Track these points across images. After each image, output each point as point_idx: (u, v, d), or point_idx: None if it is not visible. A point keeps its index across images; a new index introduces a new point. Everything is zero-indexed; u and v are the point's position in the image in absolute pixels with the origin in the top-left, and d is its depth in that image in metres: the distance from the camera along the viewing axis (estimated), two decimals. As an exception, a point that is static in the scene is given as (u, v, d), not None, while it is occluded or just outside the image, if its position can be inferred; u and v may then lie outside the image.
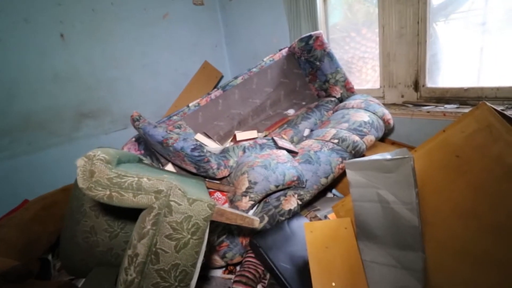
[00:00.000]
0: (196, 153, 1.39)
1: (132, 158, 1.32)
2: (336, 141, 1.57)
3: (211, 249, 1.36)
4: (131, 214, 1.24)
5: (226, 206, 1.51)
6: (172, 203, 0.89)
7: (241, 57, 3.27)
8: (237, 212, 0.96)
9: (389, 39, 1.98)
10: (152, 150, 1.70)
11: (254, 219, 0.96)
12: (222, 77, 3.16)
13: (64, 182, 2.22)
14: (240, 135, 1.82)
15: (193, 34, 3.08)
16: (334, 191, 1.77)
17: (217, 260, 1.37)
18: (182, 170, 1.65)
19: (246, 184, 1.36)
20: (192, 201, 0.91)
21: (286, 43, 2.27)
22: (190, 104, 1.95)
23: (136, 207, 0.89)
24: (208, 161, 1.43)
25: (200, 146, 1.40)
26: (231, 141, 1.90)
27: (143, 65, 2.77)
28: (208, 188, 1.56)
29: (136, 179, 0.88)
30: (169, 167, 1.67)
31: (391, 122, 1.79)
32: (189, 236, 0.89)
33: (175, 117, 1.89)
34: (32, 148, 2.25)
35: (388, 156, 1.07)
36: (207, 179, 1.56)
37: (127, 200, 0.87)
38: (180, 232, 0.88)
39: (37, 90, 2.24)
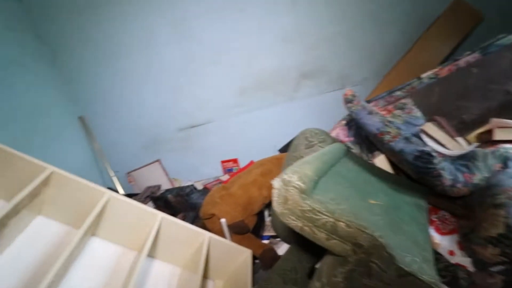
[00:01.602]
0: (420, 163, 1.01)
1: (337, 155, 1.16)
2: None
3: None
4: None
5: (454, 239, 1.08)
6: (373, 265, 0.66)
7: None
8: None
9: None
10: (363, 137, 1.44)
11: None
12: (480, 22, 2.13)
13: (280, 141, 2.47)
14: (502, 133, 1.16)
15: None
16: None
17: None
18: (396, 167, 1.31)
19: (500, 229, 0.87)
20: (403, 274, 0.63)
21: None
22: (423, 75, 1.44)
23: (329, 249, 0.73)
24: (439, 175, 1.01)
25: (428, 155, 1.00)
26: (481, 134, 1.28)
27: (365, 13, 2.33)
28: (430, 203, 1.16)
29: (332, 220, 0.70)
30: (381, 159, 1.37)
31: None
32: (390, 314, 0.65)
33: (398, 93, 1.48)
34: (260, 105, 2.59)
35: None
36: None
37: (320, 239, 0.73)
38: (378, 304, 0.66)
39: (271, 51, 2.43)
